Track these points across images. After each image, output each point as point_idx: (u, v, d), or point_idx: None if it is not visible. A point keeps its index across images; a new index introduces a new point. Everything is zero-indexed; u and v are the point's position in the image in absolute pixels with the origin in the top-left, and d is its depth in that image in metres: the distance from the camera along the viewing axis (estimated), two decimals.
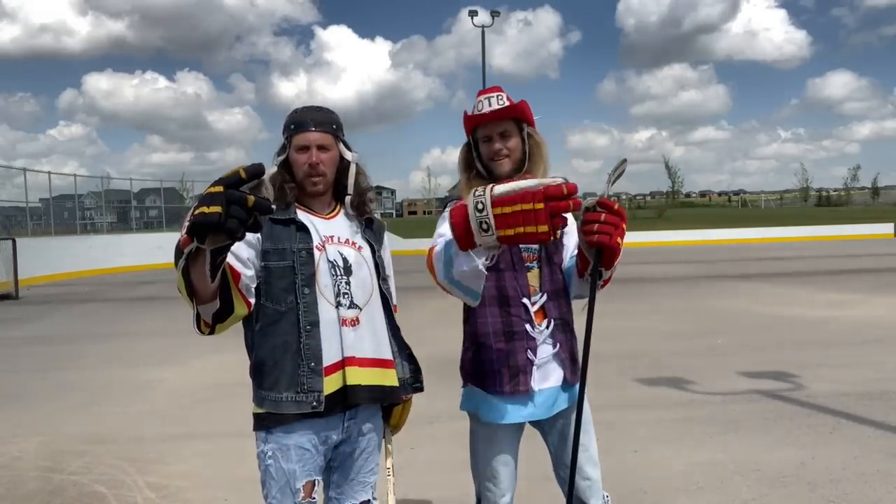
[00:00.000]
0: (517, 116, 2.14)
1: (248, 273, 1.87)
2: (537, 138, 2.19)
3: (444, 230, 1.94)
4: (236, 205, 1.32)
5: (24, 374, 6.88)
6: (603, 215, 1.94)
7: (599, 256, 1.99)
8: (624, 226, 1.95)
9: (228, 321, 1.82)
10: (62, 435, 4.76)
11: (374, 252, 2.12)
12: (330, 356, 1.94)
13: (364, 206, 2.13)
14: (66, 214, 25.87)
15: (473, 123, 2.16)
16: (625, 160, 2.15)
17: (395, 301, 2.20)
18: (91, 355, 7.85)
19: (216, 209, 1.30)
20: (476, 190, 1.62)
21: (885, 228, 29.18)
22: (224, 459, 4.17)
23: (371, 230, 2.15)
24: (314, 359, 1.91)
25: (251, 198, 1.32)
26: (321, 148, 2.00)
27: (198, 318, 1.75)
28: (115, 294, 14.89)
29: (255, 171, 1.34)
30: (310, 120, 2.01)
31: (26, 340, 9.11)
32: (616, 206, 1.95)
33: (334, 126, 2.05)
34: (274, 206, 1.43)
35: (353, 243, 2.07)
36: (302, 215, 2.02)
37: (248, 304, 1.89)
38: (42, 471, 4.08)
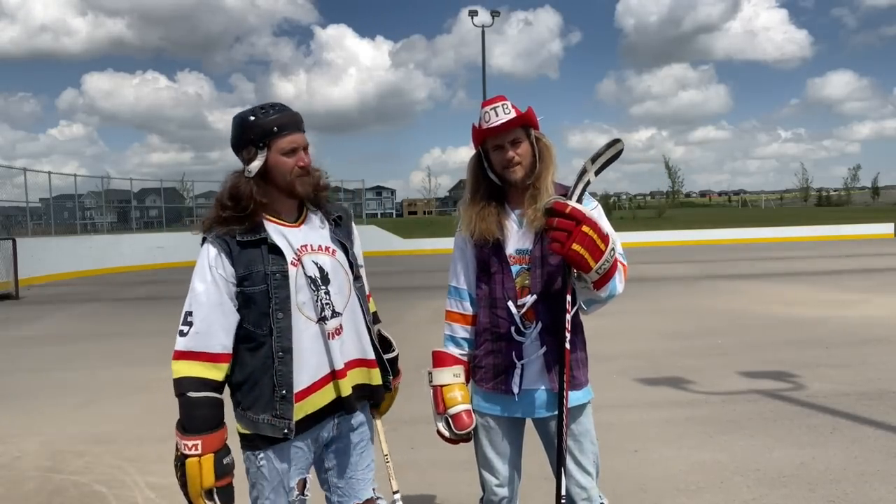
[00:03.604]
0: (525, 123, 2.17)
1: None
2: (545, 141, 2.21)
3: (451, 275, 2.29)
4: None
5: (24, 374, 6.88)
6: (555, 220, 1.95)
7: (564, 264, 2.01)
8: (584, 229, 1.92)
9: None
10: (62, 435, 4.76)
11: (347, 252, 2.08)
12: (318, 372, 1.94)
13: (320, 193, 2.06)
14: (66, 214, 25.84)
15: (484, 136, 2.17)
16: (618, 140, 2.11)
17: (367, 290, 2.19)
18: (91, 355, 7.85)
19: None
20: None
21: (885, 228, 29.18)
22: None
23: (340, 228, 2.10)
24: (286, 386, 1.89)
25: None
26: (306, 149, 1.96)
27: None
28: (115, 294, 14.89)
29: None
30: (292, 121, 1.93)
31: (26, 340, 9.11)
32: (568, 209, 1.93)
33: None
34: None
35: (327, 248, 2.02)
36: (272, 229, 1.93)
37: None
38: (42, 471, 4.08)
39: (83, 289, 16.12)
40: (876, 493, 3.40)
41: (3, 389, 6.24)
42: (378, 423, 2.22)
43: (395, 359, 2.24)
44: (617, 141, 2.11)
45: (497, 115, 2.13)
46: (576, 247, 1.91)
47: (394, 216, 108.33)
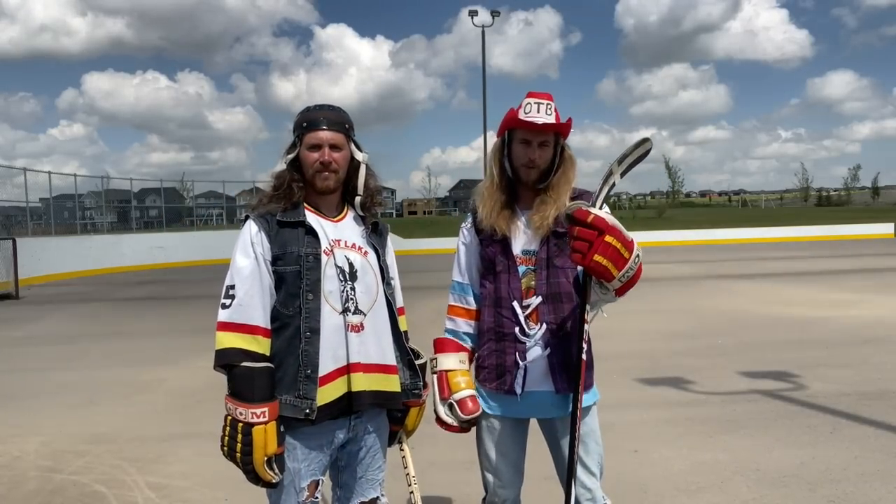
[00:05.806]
0: (560, 132, 2.16)
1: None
2: (570, 153, 2.21)
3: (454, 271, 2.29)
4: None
5: (24, 374, 6.88)
6: (576, 229, 1.89)
7: (585, 273, 1.97)
8: (607, 239, 1.84)
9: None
10: (62, 435, 4.76)
11: (379, 257, 2.11)
12: (335, 362, 1.95)
13: (374, 207, 2.12)
14: (66, 214, 25.83)
15: (518, 126, 2.14)
16: (646, 140, 2.02)
17: (401, 303, 2.21)
18: (91, 355, 7.85)
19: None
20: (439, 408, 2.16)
21: (885, 228, 29.18)
22: (224, 459, 4.16)
23: (376, 234, 2.14)
24: (311, 366, 1.92)
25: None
26: (333, 147, 2.00)
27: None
28: (115, 294, 14.88)
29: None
30: (322, 118, 2.00)
31: (26, 340, 9.11)
32: (590, 218, 1.86)
33: (346, 126, 2.05)
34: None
35: (360, 248, 2.06)
36: (310, 217, 2.01)
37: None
38: (42, 471, 4.08)
39: (83, 289, 16.11)
40: (876, 493, 3.40)
41: (3, 389, 6.23)
42: (406, 445, 2.22)
43: (424, 366, 2.21)
44: (645, 140, 2.04)
45: (539, 112, 2.11)
46: (598, 258, 1.85)
47: (394, 216, 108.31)
